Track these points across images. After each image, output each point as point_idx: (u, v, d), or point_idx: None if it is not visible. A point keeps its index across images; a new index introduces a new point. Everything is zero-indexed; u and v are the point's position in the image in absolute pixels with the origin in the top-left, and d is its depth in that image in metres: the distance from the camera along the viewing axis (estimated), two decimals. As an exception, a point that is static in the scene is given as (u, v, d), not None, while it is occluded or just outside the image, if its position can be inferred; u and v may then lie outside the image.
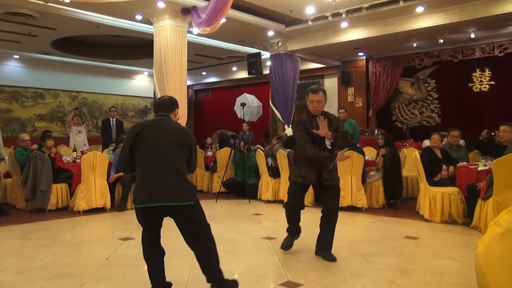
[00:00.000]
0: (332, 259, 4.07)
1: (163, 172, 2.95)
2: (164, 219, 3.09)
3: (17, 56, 12.91)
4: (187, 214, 3.03)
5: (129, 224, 5.93)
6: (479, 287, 1.46)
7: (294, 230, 4.38)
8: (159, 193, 2.93)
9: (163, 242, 3.17)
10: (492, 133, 7.04)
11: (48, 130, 9.96)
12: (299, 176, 4.16)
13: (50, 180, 6.75)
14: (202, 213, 3.14)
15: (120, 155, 3.19)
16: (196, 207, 3.07)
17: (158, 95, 7.93)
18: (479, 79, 10.72)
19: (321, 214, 4.21)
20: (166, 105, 3.23)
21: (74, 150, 8.12)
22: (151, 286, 3.13)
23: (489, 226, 1.50)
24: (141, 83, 16.34)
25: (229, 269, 3.70)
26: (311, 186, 4.46)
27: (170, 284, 3.21)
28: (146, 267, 4.03)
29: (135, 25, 9.25)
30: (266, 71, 11.27)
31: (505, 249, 1.43)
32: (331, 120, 4.13)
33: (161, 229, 3.13)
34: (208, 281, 3.11)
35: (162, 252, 3.17)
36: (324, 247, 4.18)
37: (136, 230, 5.54)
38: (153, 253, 3.14)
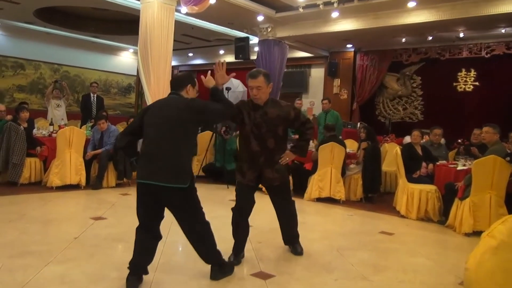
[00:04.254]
0: (297, 253, 3.98)
1: (159, 152, 2.94)
2: None
3: (-1, 23, 12.47)
4: (177, 197, 2.98)
5: (102, 203, 5.81)
6: None
7: (238, 246, 3.71)
8: (152, 171, 2.91)
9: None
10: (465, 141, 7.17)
11: (24, 102, 9.66)
12: (239, 174, 3.65)
13: (24, 153, 6.55)
14: (194, 201, 3.09)
15: (128, 126, 3.30)
16: (189, 192, 3.01)
17: (142, 74, 7.74)
18: (464, 79, 10.75)
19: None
20: (174, 83, 3.22)
21: (51, 124, 7.91)
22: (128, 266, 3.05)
23: (482, 237, 1.36)
24: (125, 60, 16.00)
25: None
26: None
27: (146, 272, 3.11)
28: (115, 249, 3.96)
29: (122, -1, 9.00)
30: (254, 57, 11.12)
31: (497, 264, 1.28)
32: (281, 109, 3.59)
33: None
34: (208, 263, 3.25)
35: (152, 240, 3.09)
36: (287, 241, 4.08)
37: (109, 210, 5.43)
38: (141, 238, 3.05)
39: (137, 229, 3.08)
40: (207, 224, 3.17)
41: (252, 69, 3.59)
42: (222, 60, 3.35)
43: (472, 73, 10.62)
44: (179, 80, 3.23)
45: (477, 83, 10.57)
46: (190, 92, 3.17)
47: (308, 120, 3.79)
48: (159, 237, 3.13)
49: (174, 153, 2.94)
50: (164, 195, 2.95)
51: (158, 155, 2.93)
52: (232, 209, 3.69)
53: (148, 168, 2.93)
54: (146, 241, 3.06)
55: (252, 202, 3.69)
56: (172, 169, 2.91)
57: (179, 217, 3.08)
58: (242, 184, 3.65)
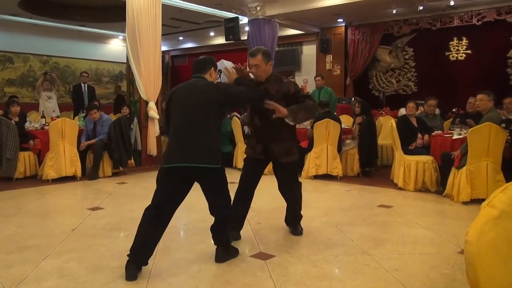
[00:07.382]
0: (297, 233, 3.96)
1: (187, 134, 3.00)
2: None
3: (-18, 17, 12.24)
4: (210, 178, 3.07)
5: (99, 193, 5.78)
6: (467, 278, 1.28)
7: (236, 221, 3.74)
8: (185, 154, 2.97)
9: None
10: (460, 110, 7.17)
11: (15, 96, 9.57)
12: (250, 149, 3.76)
13: (17, 147, 6.49)
14: (225, 181, 3.19)
15: (164, 116, 3.35)
16: (220, 172, 3.11)
17: (131, 61, 7.63)
18: (456, 47, 10.65)
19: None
20: (197, 66, 3.27)
21: (43, 117, 7.83)
22: (128, 253, 3.00)
23: (482, 208, 1.30)
24: (115, 48, 15.79)
25: (200, 239, 3.64)
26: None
27: (146, 263, 3.06)
28: (114, 238, 3.94)
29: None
30: (244, 37, 10.99)
31: (499, 235, 1.21)
32: (282, 85, 3.66)
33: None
34: (216, 244, 3.32)
35: (160, 227, 3.09)
36: (288, 221, 4.08)
37: (106, 200, 5.41)
38: (149, 221, 3.03)
39: (148, 212, 3.04)
40: (230, 204, 3.27)
41: (252, 49, 3.71)
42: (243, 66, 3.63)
43: (464, 41, 10.51)
44: (202, 63, 3.28)
45: (469, 51, 10.47)
46: (213, 75, 3.28)
47: (310, 96, 3.90)
48: (167, 223, 3.11)
49: (205, 135, 3.01)
50: (197, 175, 3.05)
51: (189, 138, 2.99)
52: (239, 182, 3.75)
53: (180, 152, 2.98)
54: (154, 225, 3.03)
55: (257, 176, 3.76)
56: (205, 150, 2.99)
57: (209, 195, 3.15)
58: (250, 158, 3.75)
